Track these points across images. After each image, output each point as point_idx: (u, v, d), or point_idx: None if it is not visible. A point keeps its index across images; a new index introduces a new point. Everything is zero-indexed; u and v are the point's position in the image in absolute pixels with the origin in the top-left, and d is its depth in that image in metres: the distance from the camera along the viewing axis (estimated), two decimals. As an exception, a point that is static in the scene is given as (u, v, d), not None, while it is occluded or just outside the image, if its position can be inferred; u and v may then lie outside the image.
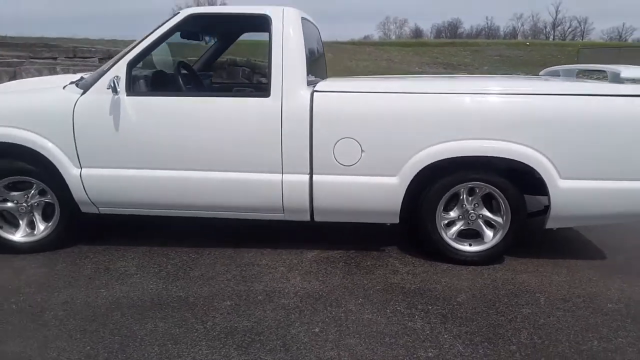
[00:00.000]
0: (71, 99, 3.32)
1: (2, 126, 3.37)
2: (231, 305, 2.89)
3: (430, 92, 3.23)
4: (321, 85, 3.29)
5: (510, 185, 3.32)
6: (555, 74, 4.52)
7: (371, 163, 3.25)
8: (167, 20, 3.35)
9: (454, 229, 3.46)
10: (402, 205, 3.34)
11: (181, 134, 3.29)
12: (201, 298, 2.97)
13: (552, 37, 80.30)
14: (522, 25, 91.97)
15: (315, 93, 3.23)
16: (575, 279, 3.27)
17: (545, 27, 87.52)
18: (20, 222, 3.61)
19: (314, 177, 3.31)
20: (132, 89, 3.26)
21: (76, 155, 3.36)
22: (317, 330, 2.63)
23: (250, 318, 2.75)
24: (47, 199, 3.57)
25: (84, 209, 3.53)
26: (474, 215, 3.43)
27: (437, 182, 3.33)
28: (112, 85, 3.24)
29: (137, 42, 3.36)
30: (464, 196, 3.40)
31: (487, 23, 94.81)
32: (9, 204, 3.55)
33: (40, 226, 3.60)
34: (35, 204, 3.58)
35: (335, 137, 3.23)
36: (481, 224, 3.45)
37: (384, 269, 3.39)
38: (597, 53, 33.19)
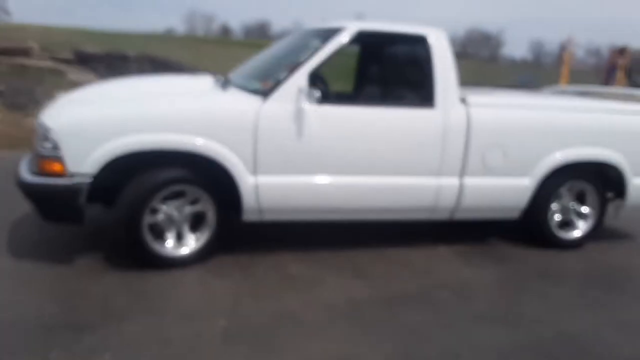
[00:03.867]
0: (254, 107, 3.31)
1: (173, 133, 3.19)
2: (452, 293, 3.24)
3: (558, 107, 3.93)
4: (472, 99, 3.77)
5: (600, 183, 4.15)
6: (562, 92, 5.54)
7: (510, 166, 3.83)
8: (334, 34, 3.52)
9: (556, 219, 4.18)
10: (527, 202, 3.96)
11: (358, 141, 3.50)
12: (419, 292, 3.26)
13: None
14: None
15: (470, 106, 3.70)
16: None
17: None
18: (169, 234, 3.42)
19: (464, 179, 3.77)
20: (313, 98, 3.34)
21: (253, 163, 3.35)
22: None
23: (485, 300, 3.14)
24: (199, 208, 3.45)
25: (248, 216, 3.50)
26: (570, 208, 4.19)
27: (553, 182, 4.01)
28: (296, 94, 3.33)
29: (310, 53, 3.46)
30: (566, 193, 4.14)
31: (295, 26, 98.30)
32: (161, 215, 3.36)
33: (191, 237, 3.46)
34: (187, 214, 3.43)
35: (485, 144, 3.74)
36: (574, 215, 4.23)
37: (518, 258, 3.96)
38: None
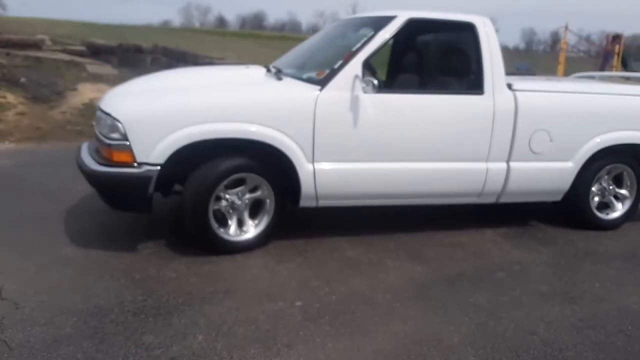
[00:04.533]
0: (312, 96, 3.39)
1: (236, 122, 3.27)
2: (508, 274, 3.38)
3: (597, 92, 4.03)
4: (517, 85, 3.86)
5: (637, 166, 4.27)
6: (591, 78, 5.66)
7: (555, 150, 3.94)
8: (386, 22, 3.60)
9: (596, 201, 4.30)
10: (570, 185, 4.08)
11: (411, 128, 3.60)
12: (478, 272, 3.39)
13: None
14: (325, 23, 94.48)
15: (516, 92, 3.80)
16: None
17: None
18: (230, 220, 3.52)
19: (511, 164, 3.88)
20: (368, 86, 3.42)
21: (312, 150, 3.43)
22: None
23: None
24: (258, 195, 3.54)
25: (304, 203, 3.59)
26: (609, 190, 4.31)
27: (594, 165, 4.12)
28: (352, 83, 3.41)
29: (363, 42, 3.54)
30: (605, 176, 4.26)
31: (291, 18, 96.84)
32: (224, 203, 3.46)
33: (250, 223, 3.56)
34: (247, 201, 3.53)
35: (532, 129, 3.85)
36: (612, 197, 4.35)
37: (563, 239, 4.08)
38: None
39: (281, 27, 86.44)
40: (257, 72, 3.81)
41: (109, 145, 3.21)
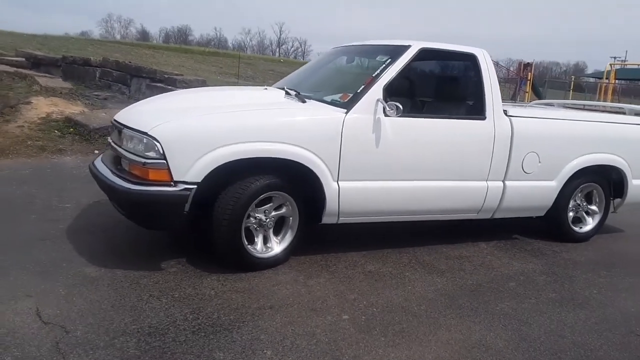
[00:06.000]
0: (339, 118, 3.56)
1: (273, 142, 3.38)
2: (518, 283, 3.67)
3: (578, 119, 4.53)
4: (511, 111, 4.25)
5: (606, 184, 4.80)
6: (550, 105, 6.25)
7: (543, 170, 4.36)
8: (402, 51, 3.87)
9: (571, 216, 4.77)
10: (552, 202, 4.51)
11: (427, 149, 3.86)
12: (491, 283, 3.67)
13: (277, 54, 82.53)
14: (251, 40, 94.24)
15: (512, 117, 4.18)
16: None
17: (271, 44, 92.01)
18: (256, 238, 3.60)
19: (506, 182, 4.25)
20: (392, 110, 3.64)
21: (337, 169, 3.60)
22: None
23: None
24: (282, 213, 3.65)
25: (326, 220, 3.74)
26: (582, 207, 4.80)
27: (572, 184, 4.59)
28: (374, 106, 3.64)
29: (382, 68, 3.78)
30: (578, 194, 4.74)
31: (217, 34, 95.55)
32: (252, 220, 3.53)
33: (274, 240, 3.66)
34: (272, 218, 3.62)
35: (525, 151, 4.24)
36: (584, 213, 4.85)
37: (548, 250, 4.50)
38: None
39: (207, 43, 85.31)
40: (277, 94, 3.92)
41: (144, 164, 3.20)
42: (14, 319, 2.68)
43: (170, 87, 9.18)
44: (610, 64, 24.25)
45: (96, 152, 6.90)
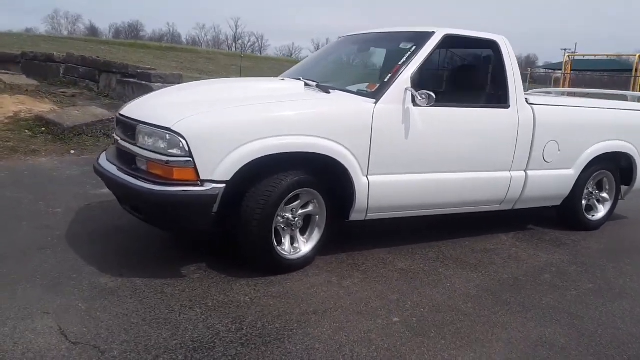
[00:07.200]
0: (369, 108, 3.36)
1: (303, 135, 3.15)
2: (551, 275, 3.60)
3: (597, 107, 4.48)
4: (533, 99, 4.15)
5: (617, 172, 4.79)
6: (548, 94, 6.24)
7: (562, 159, 4.29)
8: (426, 38, 3.70)
9: (584, 204, 4.74)
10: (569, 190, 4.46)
11: (455, 139, 3.72)
12: (527, 276, 3.57)
13: (233, 49, 79.04)
14: (205, 35, 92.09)
15: (534, 106, 4.09)
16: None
17: (227, 39, 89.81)
18: (284, 238, 3.37)
19: (528, 172, 4.16)
20: (424, 99, 3.45)
21: (367, 163, 3.41)
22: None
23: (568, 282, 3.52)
24: (309, 210, 3.43)
25: (354, 216, 3.54)
26: (595, 194, 4.78)
27: (587, 172, 4.54)
28: (403, 95, 3.46)
29: (407, 55, 3.61)
30: (591, 182, 4.71)
31: (170, 29, 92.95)
32: (280, 219, 3.30)
33: (301, 239, 3.44)
34: (300, 217, 3.40)
35: (545, 140, 4.16)
36: (595, 201, 4.83)
37: (567, 240, 4.44)
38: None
39: (159, 38, 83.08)
40: (297, 85, 3.68)
41: (168, 162, 2.91)
42: (36, 340, 2.37)
43: (144, 82, 8.72)
44: (568, 55, 24.86)
45: (72, 152, 6.50)
